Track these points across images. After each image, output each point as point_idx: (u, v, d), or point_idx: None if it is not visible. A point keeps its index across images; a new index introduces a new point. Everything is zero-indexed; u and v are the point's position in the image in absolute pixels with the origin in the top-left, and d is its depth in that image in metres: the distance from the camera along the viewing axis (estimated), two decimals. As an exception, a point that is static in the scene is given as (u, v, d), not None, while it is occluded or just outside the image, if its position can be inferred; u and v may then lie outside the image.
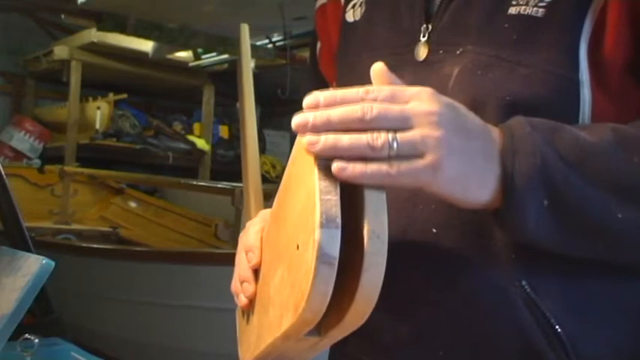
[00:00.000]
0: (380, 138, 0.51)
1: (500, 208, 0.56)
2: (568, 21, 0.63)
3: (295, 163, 0.60)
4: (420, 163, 0.52)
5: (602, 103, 0.63)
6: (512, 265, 0.63)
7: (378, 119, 0.52)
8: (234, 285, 0.73)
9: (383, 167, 0.51)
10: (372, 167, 0.51)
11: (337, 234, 0.49)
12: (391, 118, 0.52)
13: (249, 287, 0.70)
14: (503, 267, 0.63)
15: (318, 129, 0.53)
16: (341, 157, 0.51)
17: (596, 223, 0.57)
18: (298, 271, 0.53)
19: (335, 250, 0.49)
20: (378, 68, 0.56)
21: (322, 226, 0.49)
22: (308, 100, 0.54)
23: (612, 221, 0.57)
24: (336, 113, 0.53)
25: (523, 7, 0.64)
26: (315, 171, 0.52)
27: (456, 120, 0.55)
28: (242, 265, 0.72)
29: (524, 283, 0.63)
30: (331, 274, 0.49)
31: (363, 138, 0.51)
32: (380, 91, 0.54)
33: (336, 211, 0.50)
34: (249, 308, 0.72)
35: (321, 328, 0.55)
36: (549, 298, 0.63)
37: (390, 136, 0.52)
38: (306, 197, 0.53)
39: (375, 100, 0.53)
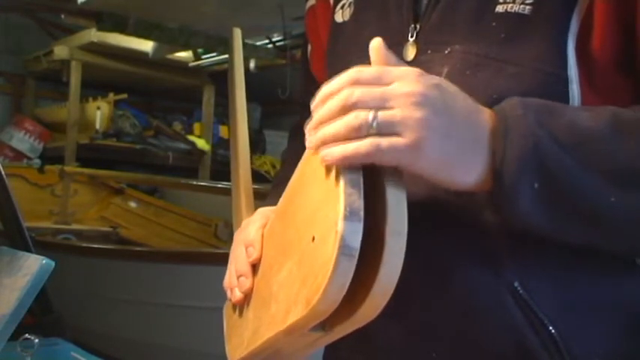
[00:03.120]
0: (359, 117, 0.52)
1: (490, 190, 0.56)
2: (555, 18, 0.62)
3: (312, 160, 0.60)
4: (400, 142, 0.52)
5: (591, 100, 0.63)
6: (503, 266, 0.63)
7: (359, 102, 0.53)
8: (229, 280, 0.73)
9: (362, 146, 0.52)
10: (352, 147, 0.52)
11: (360, 227, 0.50)
12: (372, 99, 0.53)
13: (246, 282, 0.70)
14: (495, 268, 0.63)
15: (315, 127, 0.55)
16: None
17: (588, 206, 0.56)
18: (313, 264, 0.53)
19: (357, 242, 0.49)
20: (375, 44, 0.57)
21: (346, 218, 0.49)
22: (312, 104, 0.57)
23: (605, 205, 0.56)
24: (322, 109, 0.55)
25: (510, 5, 0.64)
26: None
27: (441, 100, 0.54)
28: (240, 260, 0.71)
29: (516, 283, 0.63)
30: (351, 267, 0.50)
31: (343, 120, 0.53)
32: (364, 73, 0.55)
33: (359, 204, 0.50)
34: (243, 304, 0.71)
35: (326, 323, 0.55)
36: (541, 298, 0.63)
37: (371, 114, 0.52)
38: (327, 190, 0.54)
39: (357, 83, 0.54)
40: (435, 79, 0.56)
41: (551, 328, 0.62)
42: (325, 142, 0.54)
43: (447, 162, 0.54)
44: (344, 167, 0.52)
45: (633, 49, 0.62)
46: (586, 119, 0.57)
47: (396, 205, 0.52)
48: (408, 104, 0.53)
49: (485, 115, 0.57)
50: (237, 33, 1.21)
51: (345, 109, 0.53)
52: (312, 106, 0.57)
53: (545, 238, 0.60)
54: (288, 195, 0.67)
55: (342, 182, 0.51)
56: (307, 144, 0.56)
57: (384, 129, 0.52)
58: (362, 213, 0.50)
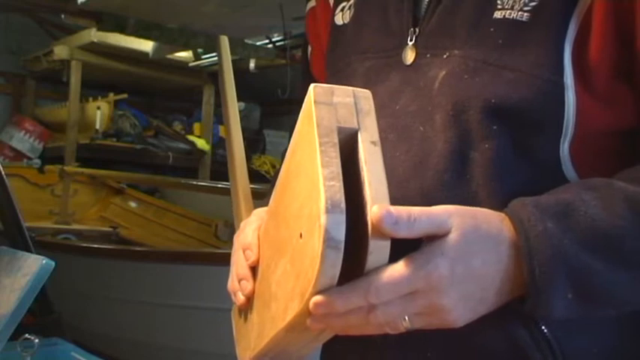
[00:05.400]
0: (398, 328, 0.55)
1: (524, 303, 0.57)
2: (552, 25, 0.63)
3: (294, 158, 0.61)
4: (434, 322, 0.56)
5: (587, 107, 0.63)
6: None
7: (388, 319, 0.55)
8: (232, 284, 0.73)
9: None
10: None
11: (342, 219, 0.50)
12: (400, 312, 0.54)
13: (248, 285, 0.70)
14: None
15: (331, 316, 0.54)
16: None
17: (622, 300, 0.59)
18: (303, 259, 0.53)
19: (341, 234, 0.50)
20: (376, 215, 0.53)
21: (328, 211, 0.50)
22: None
23: (637, 295, 0.59)
24: (348, 320, 0.55)
25: (508, 12, 0.64)
26: (318, 160, 0.52)
27: (467, 266, 0.55)
28: (240, 264, 0.72)
29: None
30: (338, 258, 0.50)
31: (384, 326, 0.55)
32: (388, 291, 0.54)
33: (340, 196, 0.51)
34: (247, 306, 0.72)
35: None
36: None
37: (404, 323, 0.55)
38: (309, 187, 0.54)
39: (381, 296, 0.54)
40: (454, 242, 0.55)
41: (544, 328, 0.63)
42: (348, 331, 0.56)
43: (479, 305, 0.57)
44: (322, 159, 0.52)
45: (631, 58, 0.62)
46: (604, 217, 0.57)
47: (378, 194, 0.52)
48: (433, 295, 0.54)
49: (506, 234, 0.57)
50: (224, 40, 1.20)
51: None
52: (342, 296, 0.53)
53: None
54: (277, 192, 0.68)
55: (321, 175, 0.51)
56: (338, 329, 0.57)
57: (417, 325, 0.56)
58: (344, 205, 0.50)
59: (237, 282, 0.71)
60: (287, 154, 0.64)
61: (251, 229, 0.73)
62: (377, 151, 0.54)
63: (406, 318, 0.54)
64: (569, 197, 0.59)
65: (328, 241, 0.49)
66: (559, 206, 0.58)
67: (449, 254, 0.54)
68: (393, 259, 0.53)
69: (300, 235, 0.54)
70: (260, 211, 0.77)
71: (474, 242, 0.55)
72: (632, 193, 0.58)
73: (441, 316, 0.55)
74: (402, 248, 0.53)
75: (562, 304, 0.56)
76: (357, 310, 0.53)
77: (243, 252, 0.72)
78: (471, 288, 0.55)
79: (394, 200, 0.53)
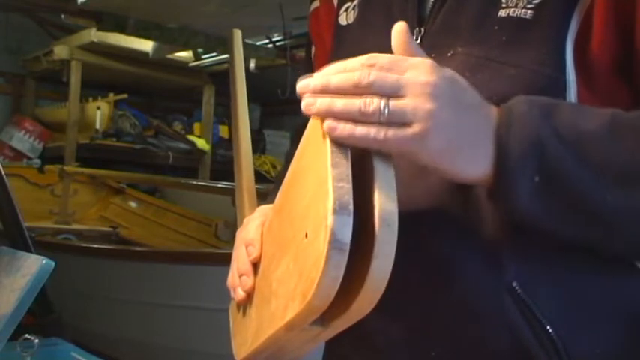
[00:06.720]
0: (372, 103, 0.53)
1: (491, 183, 0.57)
2: (554, 21, 0.63)
3: (303, 157, 0.61)
4: (407, 131, 0.53)
5: (588, 103, 0.63)
6: (502, 266, 0.63)
7: (373, 85, 0.54)
8: (232, 279, 0.73)
9: (371, 131, 0.53)
10: (360, 130, 0.53)
11: (350, 221, 0.50)
12: (386, 86, 0.54)
13: (248, 280, 0.70)
14: (494, 268, 0.64)
15: (316, 92, 0.55)
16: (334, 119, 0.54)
17: (586, 203, 0.57)
18: (307, 259, 0.53)
19: (347, 236, 0.50)
20: (399, 28, 0.58)
21: (335, 212, 0.50)
22: (317, 73, 0.57)
23: (602, 203, 0.57)
24: (335, 78, 0.55)
25: (512, 10, 0.65)
26: (329, 159, 0.52)
27: (452, 93, 0.55)
28: (241, 259, 0.72)
29: (514, 284, 0.63)
30: (342, 260, 0.50)
31: (357, 102, 0.54)
32: (380, 58, 0.55)
33: (348, 198, 0.51)
34: (246, 302, 0.72)
35: (324, 318, 0.55)
36: (540, 298, 0.63)
37: (383, 102, 0.53)
38: (317, 186, 0.54)
39: (373, 67, 0.55)
40: (448, 72, 0.56)
41: (548, 327, 0.63)
42: (332, 114, 0.54)
43: (451, 153, 0.55)
44: (332, 160, 0.53)
45: (631, 54, 0.62)
46: (586, 119, 0.58)
47: (386, 197, 0.52)
48: (420, 94, 0.54)
49: (492, 110, 0.58)
50: (237, 34, 1.20)
51: (358, 88, 0.54)
52: (322, 71, 0.57)
53: (544, 235, 0.60)
54: (283, 191, 0.68)
55: (330, 176, 0.51)
56: (305, 104, 0.56)
57: (394, 118, 0.53)
58: (351, 207, 0.50)
59: (238, 277, 0.72)
60: (296, 152, 0.64)
61: (254, 225, 0.73)
62: (387, 153, 0.54)
63: (384, 104, 0.53)
64: (560, 102, 0.60)
65: (334, 242, 0.49)
66: (549, 101, 0.59)
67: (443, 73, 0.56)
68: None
69: (306, 235, 0.54)
70: (264, 208, 0.77)
71: (464, 93, 0.57)
72: (619, 113, 0.59)
73: (423, 106, 0.54)
74: None
75: (528, 186, 0.56)
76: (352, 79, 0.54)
77: (245, 248, 0.72)
78: (457, 106, 0.55)
79: (399, 200, 0.53)
